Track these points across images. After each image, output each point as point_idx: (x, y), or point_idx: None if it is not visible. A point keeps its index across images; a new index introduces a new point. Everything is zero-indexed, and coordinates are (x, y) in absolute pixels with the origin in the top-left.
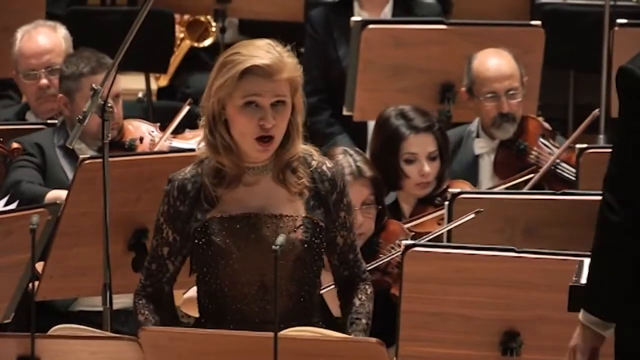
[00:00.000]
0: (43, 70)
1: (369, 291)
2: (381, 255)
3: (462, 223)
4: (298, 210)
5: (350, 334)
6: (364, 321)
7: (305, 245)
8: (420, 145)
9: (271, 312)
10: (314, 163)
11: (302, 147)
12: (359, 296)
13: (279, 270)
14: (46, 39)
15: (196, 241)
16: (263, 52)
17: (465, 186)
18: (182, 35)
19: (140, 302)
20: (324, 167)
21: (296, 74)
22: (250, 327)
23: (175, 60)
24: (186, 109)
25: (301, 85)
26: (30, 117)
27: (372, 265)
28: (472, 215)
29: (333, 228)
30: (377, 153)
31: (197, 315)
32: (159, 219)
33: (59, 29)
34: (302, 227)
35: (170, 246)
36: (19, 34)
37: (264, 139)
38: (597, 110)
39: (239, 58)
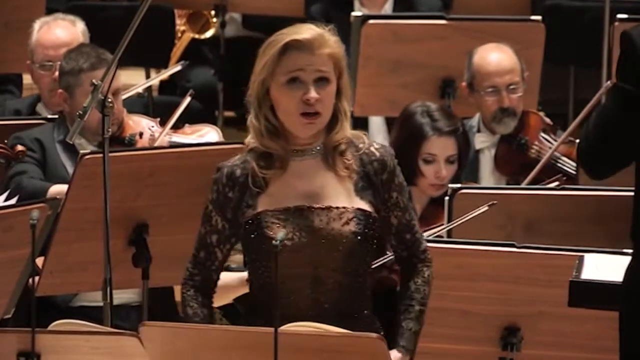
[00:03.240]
0: (59, 62)
1: (426, 274)
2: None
3: (476, 216)
4: (349, 197)
5: (401, 322)
6: (416, 307)
7: (359, 238)
8: (441, 148)
9: (324, 304)
10: (361, 146)
11: (352, 132)
12: (415, 279)
13: (331, 262)
14: (65, 32)
15: (248, 234)
16: (304, 29)
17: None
18: (182, 28)
19: (188, 292)
20: (372, 149)
21: (338, 50)
22: (304, 321)
23: (176, 53)
24: (187, 99)
25: (346, 70)
26: (40, 109)
27: (378, 263)
28: (486, 208)
29: (385, 209)
30: (397, 146)
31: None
32: (207, 207)
33: (78, 23)
34: (354, 219)
35: (219, 234)
36: (37, 24)
37: (309, 114)
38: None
39: (280, 37)
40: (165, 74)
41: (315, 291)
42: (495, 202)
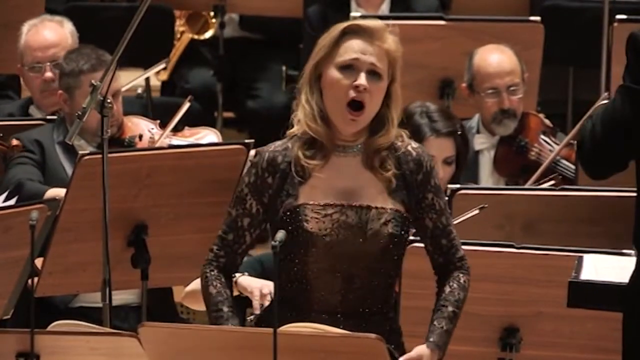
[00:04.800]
0: (48, 63)
1: (462, 280)
2: None
3: (467, 219)
4: (384, 197)
5: (433, 320)
6: (449, 309)
7: (395, 239)
8: (439, 149)
9: (353, 302)
10: (400, 144)
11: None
12: (450, 283)
13: (365, 261)
14: (52, 33)
15: (285, 225)
16: (368, 19)
17: None
18: (182, 29)
19: (212, 272)
20: (409, 148)
21: (395, 49)
22: (332, 317)
23: (175, 54)
24: (187, 105)
25: (399, 76)
26: (33, 111)
27: None
28: (476, 211)
29: (420, 210)
30: None
31: (198, 308)
32: (242, 190)
33: (66, 24)
34: (392, 220)
35: (252, 218)
36: (25, 27)
37: (355, 105)
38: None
39: (342, 23)
40: (149, 73)
41: (346, 288)
42: (486, 205)
